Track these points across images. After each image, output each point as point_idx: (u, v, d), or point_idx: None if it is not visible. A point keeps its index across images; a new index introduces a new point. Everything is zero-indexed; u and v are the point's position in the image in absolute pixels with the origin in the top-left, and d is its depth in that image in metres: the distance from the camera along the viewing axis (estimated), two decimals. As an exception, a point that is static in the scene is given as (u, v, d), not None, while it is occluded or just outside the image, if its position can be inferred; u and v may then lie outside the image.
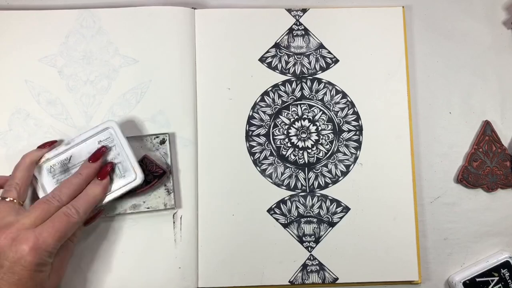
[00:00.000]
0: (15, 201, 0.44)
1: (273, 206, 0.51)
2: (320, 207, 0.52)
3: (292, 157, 0.52)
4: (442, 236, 0.53)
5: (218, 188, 0.51)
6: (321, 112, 0.53)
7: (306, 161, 0.52)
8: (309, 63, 0.54)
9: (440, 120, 0.54)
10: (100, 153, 0.47)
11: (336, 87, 0.53)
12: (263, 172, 0.52)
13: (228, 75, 0.53)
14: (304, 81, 0.53)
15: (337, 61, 0.54)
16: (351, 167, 0.52)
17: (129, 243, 0.50)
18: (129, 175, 0.47)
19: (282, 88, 0.53)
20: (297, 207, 0.52)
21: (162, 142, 0.50)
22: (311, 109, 0.53)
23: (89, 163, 0.46)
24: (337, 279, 0.51)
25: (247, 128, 0.53)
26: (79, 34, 0.53)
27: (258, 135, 0.53)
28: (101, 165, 0.47)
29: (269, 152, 0.52)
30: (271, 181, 0.52)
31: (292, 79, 0.53)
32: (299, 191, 0.52)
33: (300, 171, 0.52)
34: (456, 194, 0.53)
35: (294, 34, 0.54)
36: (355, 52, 0.54)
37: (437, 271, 0.53)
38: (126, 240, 0.50)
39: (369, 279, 0.51)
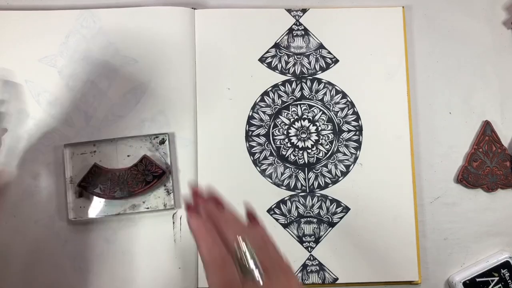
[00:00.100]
0: None
1: (273, 206, 0.51)
2: (320, 207, 0.52)
3: (292, 157, 0.52)
4: (442, 236, 0.53)
5: (218, 188, 0.51)
6: (321, 112, 0.53)
7: (306, 161, 0.52)
8: (309, 63, 0.54)
9: (440, 120, 0.54)
10: None
11: (336, 87, 0.53)
12: (263, 172, 0.52)
13: (228, 75, 0.53)
14: (304, 81, 0.53)
15: (337, 61, 0.54)
16: (351, 167, 0.52)
17: (129, 243, 0.50)
18: None
19: (282, 88, 0.53)
20: (297, 207, 0.52)
21: (162, 142, 0.50)
22: (311, 109, 0.53)
23: None
24: (337, 279, 0.51)
25: (247, 128, 0.53)
26: (79, 34, 0.53)
27: (258, 135, 0.53)
28: None
29: (269, 152, 0.52)
30: (271, 181, 0.52)
31: (292, 79, 0.53)
32: (299, 191, 0.52)
33: (300, 171, 0.52)
34: (456, 194, 0.53)
35: (294, 34, 0.54)
36: (355, 52, 0.54)
37: (437, 271, 0.53)
38: (126, 240, 0.50)
39: (369, 279, 0.51)
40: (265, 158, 0.52)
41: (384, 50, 0.54)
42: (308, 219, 0.52)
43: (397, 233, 0.51)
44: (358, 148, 0.52)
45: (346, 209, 0.52)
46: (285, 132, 0.53)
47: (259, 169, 0.52)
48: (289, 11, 0.54)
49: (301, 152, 0.52)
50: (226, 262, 0.35)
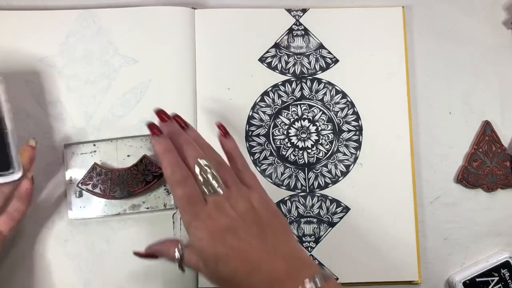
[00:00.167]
0: None
1: (273, 206, 0.51)
2: (320, 207, 0.52)
3: (292, 157, 0.52)
4: (442, 236, 0.53)
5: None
6: (321, 112, 0.53)
7: (306, 161, 0.52)
8: (309, 63, 0.54)
9: (440, 120, 0.54)
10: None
11: (336, 87, 0.53)
12: (263, 172, 0.52)
13: (228, 75, 0.53)
14: (304, 81, 0.53)
15: (337, 61, 0.54)
16: (351, 167, 0.52)
17: (129, 244, 0.50)
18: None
19: (282, 88, 0.53)
20: (297, 207, 0.52)
21: None
22: (311, 109, 0.53)
23: None
24: (337, 279, 0.51)
25: (247, 128, 0.53)
26: (79, 34, 0.53)
27: (258, 135, 0.53)
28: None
29: (269, 152, 0.52)
30: (271, 181, 0.52)
31: (292, 79, 0.53)
32: (299, 191, 0.52)
33: (300, 171, 0.52)
34: (456, 194, 0.53)
35: (294, 34, 0.54)
36: (355, 52, 0.54)
37: (437, 271, 0.53)
38: (126, 240, 0.50)
39: (369, 279, 0.51)
40: (265, 158, 0.52)
41: (384, 50, 0.54)
42: (308, 219, 0.52)
43: (397, 233, 0.51)
44: (358, 148, 0.52)
45: (346, 209, 0.52)
46: (285, 132, 0.53)
47: (259, 169, 0.52)
48: (289, 11, 0.54)
49: (301, 152, 0.52)
50: (187, 178, 0.39)
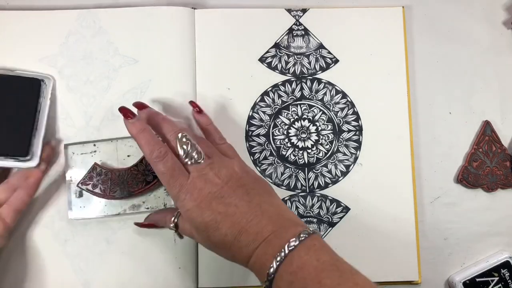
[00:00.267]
0: None
1: (273, 206, 0.51)
2: (320, 207, 0.52)
3: (292, 157, 0.52)
4: (442, 236, 0.53)
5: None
6: (321, 112, 0.53)
7: (306, 161, 0.52)
8: (309, 63, 0.54)
9: (440, 120, 0.54)
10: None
11: (336, 87, 0.53)
12: (263, 172, 0.52)
13: (228, 75, 0.53)
14: (304, 81, 0.53)
15: (337, 61, 0.54)
16: (351, 167, 0.52)
17: (129, 244, 0.50)
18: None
19: (282, 88, 0.53)
20: (297, 207, 0.52)
21: None
22: (311, 109, 0.53)
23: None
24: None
25: (247, 128, 0.53)
26: (79, 34, 0.53)
27: (258, 135, 0.53)
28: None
29: (269, 152, 0.52)
30: (271, 181, 0.52)
31: (292, 79, 0.53)
32: (299, 191, 0.52)
33: (300, 171, 0.52)
34: (456, 194, 0.53)
35: (294, 34, 0.54)
36: (355, 52, 0.54)
37: (437, 271, 0.53)
38: (126, 240, 0.50)
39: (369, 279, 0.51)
40: (265, 158, 0.52)
41: (384, 50, 0.54)
42: (308, 219, 0.52)
43: (397, 233, 0.51)
44: (358, 148, 0.52)
45: (346, 209, 0.52)
46: (285, 132, 0.53)
47: (259, 169, 0.52)
48: (289, 11, 0.54)
49: (301, 152, 0.52)
50: (166, 153, 0.41)
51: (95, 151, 0.50)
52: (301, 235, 0.36)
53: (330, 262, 0.36)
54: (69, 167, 0.50)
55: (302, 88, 0.53)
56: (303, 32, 0.54)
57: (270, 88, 0.53)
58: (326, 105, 0.53)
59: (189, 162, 0.41)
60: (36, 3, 0.54)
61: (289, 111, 0.53)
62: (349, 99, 0.53)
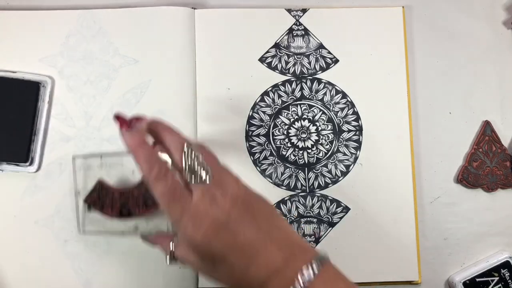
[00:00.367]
0: None
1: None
2: (320, 207, 0.52)
3: (292, 157, 0.52)
4: (442, 236, 0.53)
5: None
6: (321, 112, 0.53)
7: (306, 161, 0.52)
8: (309, 63, 0.54)
9: (440, 120, 0.54)
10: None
11: (336, 87, 0.53)
12: (263, 172, 0.52)
13: (228, 75, 0.53)
14: (304, 81, 0.53)
15: (337, 61, 0.54)
16: (351, 167, 0.52)
17: (129, 244, 0.50)
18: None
19: (282, 88, 0.53)
20: (297, 207, 0.52)
21: None
22: (311, 109, 0.53)
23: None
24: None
25: (247, 128, 0.53)
26: (80, 35, 0.53)
27: (258, 135, 0.53)
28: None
29: (269, 152, 0.52)
30: (271, 181, 0.52)
31: (292, 79, 0.53)
32: (299, 191, 0.52)
33: (300, 171, 0.52)
34: (456, 194, 0.53)
35: (294, 34, 0.54)
36: (355, 52, 0.54)
37: (437, 271, 0.53)
38: (126, 240, 0.50)
39: (369, 279, 0.51)
40: (265, 158, 0.52)
41: (384, 50, 0.54)
42: (308, 219, 0.52)
43: (397, 233, 0.51)
44: (358, 148, 0.52)
45: (346, 209, 0.52)
46: (285, 132, 0.53)
47: (259, 169, 0.52)
48: (289, 11, 0.54)
49: (301, 152, 0.52)
50: (167, 172, 0.36)
51: (101, 164, 0.49)
52: (314, 265, 0.34)
53: None
54: (77, 180, 0.49)
55: (302, 88, 0.53)
56: (303, 32, 0.54)
57: (270, 88, 0.53)
58: (326, 105, 0.53)
59: (193, 181, 0.36)
60: (36, 3, 0.54)
61: (289, 111, 0.53)
62: (349, 99, 0.53)
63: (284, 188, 0.52)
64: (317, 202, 0.52)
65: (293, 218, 0.51)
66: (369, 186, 0.52)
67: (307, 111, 0.53)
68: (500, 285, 0.51)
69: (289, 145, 0.52)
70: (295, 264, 0.35)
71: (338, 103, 0.53)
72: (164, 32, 0.53)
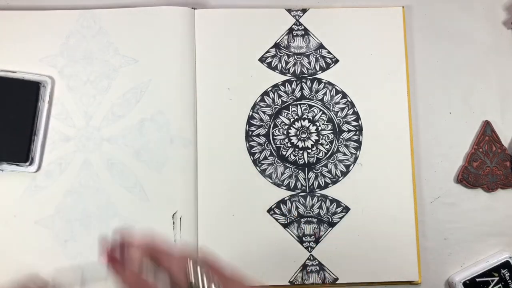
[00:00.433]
0: None
1: (273, 206, 0.51)
2: (320, 207, 0.52)
3: (292, 157, 0.52)
4: (442, 236, 0.53)
5: (218, 188, 0.51)
6: (321, 112, 0.53)
7: (306, 161, 0.52)
8: (309, 63, 0.54)
9: (440, 120, 0.54)
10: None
11: (336, 87, 0.53)
12: (263, 172, 0.52)
13: (228, 75, 0.53)
14: (304, 81, 0.53)
15: (337, 61, 0.54)
16: (351, 167, 0.52)
17: (129, 243, 0.50)
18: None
19: (282, 88, 0.53)
20: (297, 207, 0.52)
21: None
22: (311, 109, 0.53)
23: None
24: (337, 279, 0.51)
25: (247, 128, 0.53)
26: (80, 35, 0.53)
27: (258, 135, 0.53)
28: None
29: (269, 152, 0.52)
30: (271, 181, 0.52)
31: (292, 79, 0.53)
32: (299, 191, 0.52)
33: (300, 171, 0.52)
34: (456, 194, 0.53)
35: (294, 34, 0.54)
36: (355, 52, 0.54)
37: (437, 271, 0.53)
38: (126, 240, 0.50)
39: (369, 279, 0.51)
40: (265, 158, 0.52)
41: (384, 50, 0.54)
42: (308, 219, 0.52)
43: (397, 233, 0.51)
44: (358, 148, 0.52)
45: (346, 209, 0.52)
46: (285, 132, 0.53)
47: (259, 169, 0.52)
48: (289, 11, 0.54)
49: (301, 152, 0.52)
50: None
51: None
52: None
53: None
54: None
55: (302, 88, 0.53)
56: (303, 32, 0.54)
57: (270, 88, 0.53)
58: (326, 105, 0.53)
59: None
60: (36, 3, 0.54)
61: (289, 111, 0.53)
62: (349, 99, 0.53)
63: (284, 188, 0.52)
64: (317, 202, 0.52)
65: (293, 218, 0.51)
66: (369, 186, 0.52)
67: (307, 111, 0.53)
68: (500, 285, 0.51)
69: (289, 145, 0.52)
70: None
71: (338, 103, 0.53)
72: (164, 32, 0.53)
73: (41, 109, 0.49)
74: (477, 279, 0.51)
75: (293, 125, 0.53)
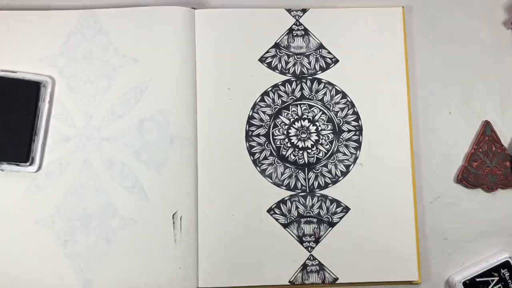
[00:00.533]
0: None
1: (273, 206, 0.51)
2: (320, 207, 0.52)
3: (292, 157, 0.52)
4: (442, 236, 0.53)
5: (218, 188, 0.51)
6: (321, 112, 0.53)
7: (306, 161, 0.52)
8: (309, 63, 0.54)
9: (440, 120, 0.54)
10: None
11: (336, 87, 0.53)
12: (263, 172, 0.52)
13: (228, 75, 0.53)
14: (304, 81, 0.53)
15: (337, 61, 0.54)
16: (351, 167, 0.52)
17: (129, 244, 0.50)
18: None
19: (282, 88, 0.53)
20: (297, 207, 0.52)
21: None
22: (311, 109, 0.53)
23: None
24: (337, 279, 0.51)
25: (247, 128, 0.53)
26: (80, 34, 0.53)
27: (258, 135, 0.53)
28: None
29: (269, 152, 0.52)
30: (271, 181, 0.52)
31: (292, 79, 0.53)
32: (299, 191, 0.52)
33: (300, 171, 0.52)
34: (456, 194, 0.53)
35: (294, 34, 0.54)
36: (355, 52, 0.54)
37: (437, 271, 0.53)
38: (126, 240, 0.50)
39: (369, 279, 0.51)
40: (265, 158, 0.52)
41: (384, 50, 0.54)
42: (308, 219, 0.52)
43: (397, 233, 0.51)
44: (358, 148, 0.52)
45: (346, 209, 0.52)
46: (285, 132, 0.53)
47: (259, 169, 0.52)
48: (289, 11, 0.54)
49: (301, 152, 0.52)
50: None
51: None
52: None
53: None
54: None
55: (302, 88, 0.53)
56: (303, 32, 0.54)
57: (270, 88, 0.53)
58: (326, 105, 0.53)
59: None
60: (36, 3, 0.54)
61: (289, 111, 0.53)
62: (349, 99, 0.53)
63: (284, 188, 0.52)
64: (317, 202, 0.52)
65: (293, 218, 0.51)
66: (369, 186, 0.52)
67: (307, 111, 0.53)
68: (500, 285, 0.51)
69: (289, 145, 0.52)
70: None
71: (338, 103, 0.53)
72: (164, 32, 0.53)
73: (42, 109, 0.49)
74: (477, 279, 0.51)
75: (293, 125, 0.53)
